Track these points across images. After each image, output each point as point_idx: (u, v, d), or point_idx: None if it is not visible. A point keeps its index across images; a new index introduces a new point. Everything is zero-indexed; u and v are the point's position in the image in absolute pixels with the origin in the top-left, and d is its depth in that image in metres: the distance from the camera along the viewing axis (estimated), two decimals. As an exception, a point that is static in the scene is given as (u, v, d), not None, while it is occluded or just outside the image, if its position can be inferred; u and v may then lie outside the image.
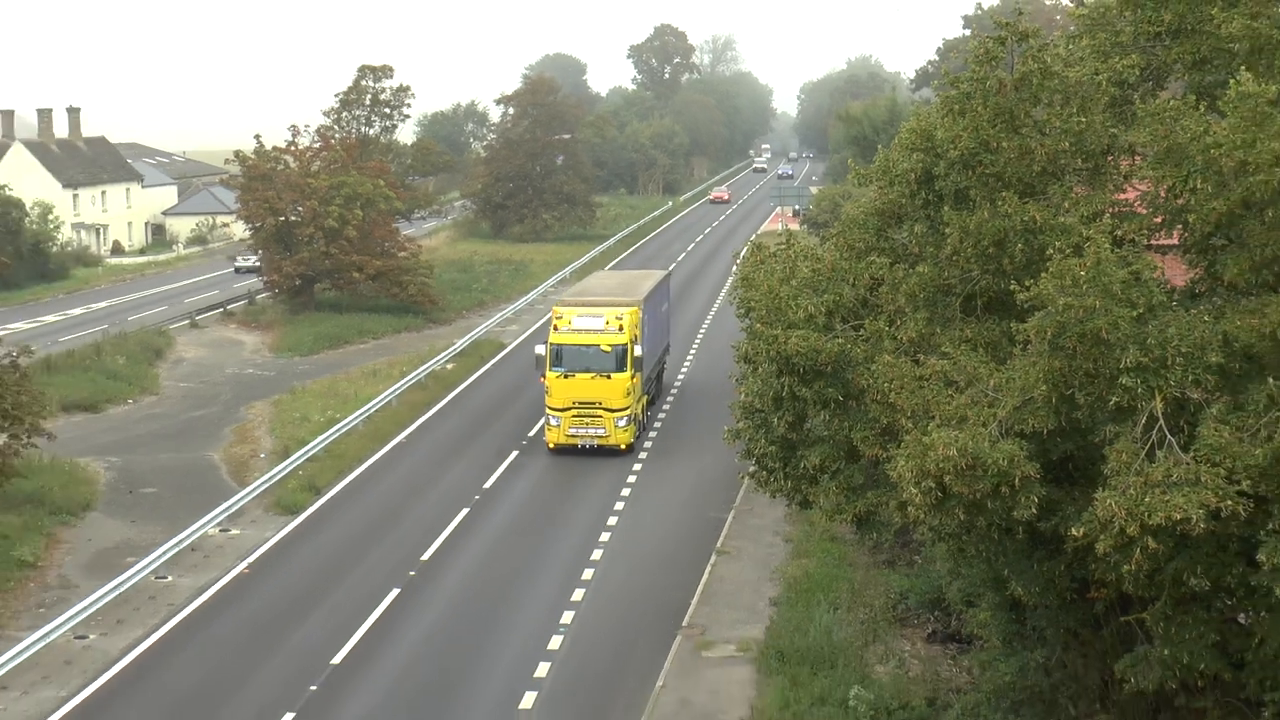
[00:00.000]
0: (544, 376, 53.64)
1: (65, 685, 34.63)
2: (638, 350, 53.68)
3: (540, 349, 54.23)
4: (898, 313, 24.05)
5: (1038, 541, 22.04)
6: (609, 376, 52.76)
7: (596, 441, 53.38)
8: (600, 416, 53.17)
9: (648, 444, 56.74)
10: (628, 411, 53.39)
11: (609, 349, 52.95)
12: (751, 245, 28.75)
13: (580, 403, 53.25)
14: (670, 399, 65.38)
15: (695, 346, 77.98)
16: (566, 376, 52.94)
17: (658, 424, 60.38)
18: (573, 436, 53.60)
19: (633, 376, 53.35)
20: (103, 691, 34.43)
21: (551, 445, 54.19)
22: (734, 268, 32.14)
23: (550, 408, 53.86)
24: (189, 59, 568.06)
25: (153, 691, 34.49)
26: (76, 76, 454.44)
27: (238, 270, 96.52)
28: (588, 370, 52.80)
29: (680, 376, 69.91)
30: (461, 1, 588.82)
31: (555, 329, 53.98)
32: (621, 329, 53.20)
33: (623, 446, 53.61)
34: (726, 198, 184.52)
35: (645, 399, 57.72)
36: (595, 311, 54.26)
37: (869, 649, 35.63)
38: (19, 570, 42.53)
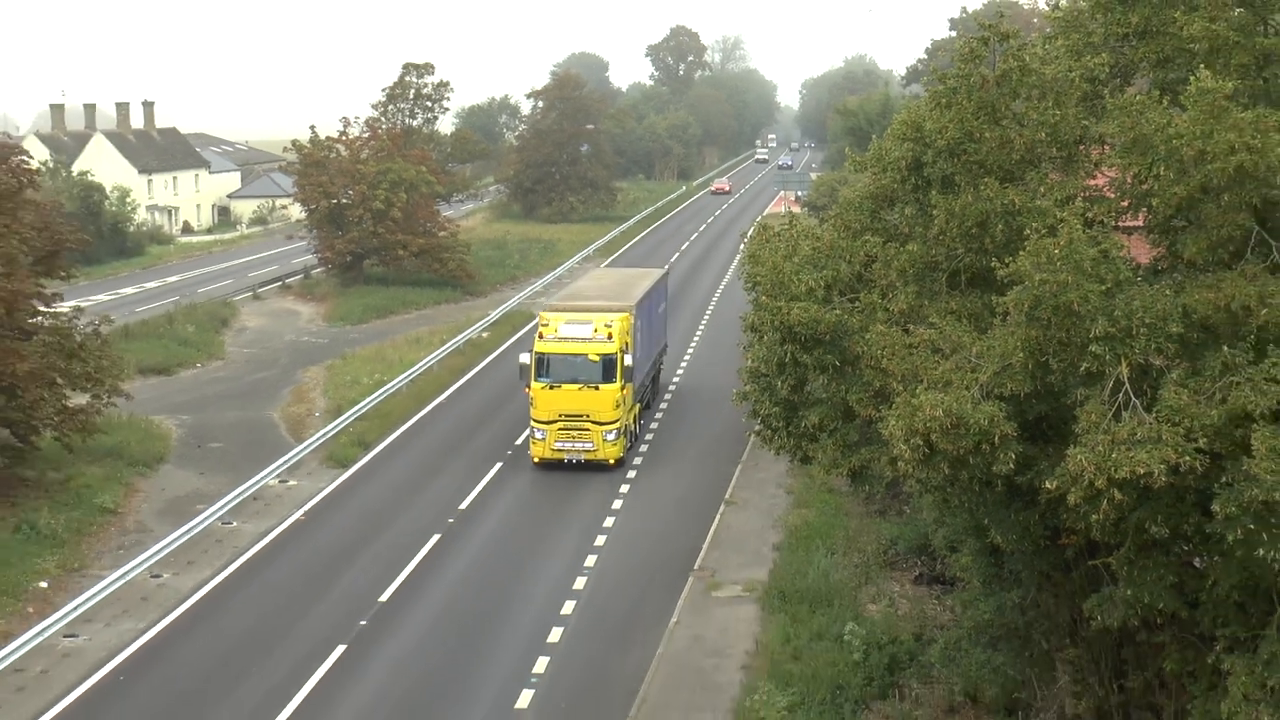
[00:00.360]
0: (528, 387, 46.07)
1: (143, 618, 34.99)
2: (628, 360, 46.02)
3: (525, 358, 46.49)
4: (889, 287, 24.00)
5: (1015, 493, 22.06)
6: (597, 388, 45.22)
7: (584, 456, 45.91)
8: (588, 430, 45.53)
9: (656, 419, 56.73)
10: (617, 425, 45.76)
11: (597, 359, 45.26)
12: (758, 226, 28.71)
13: (566, 415, 45.52)
14: (673, 382, 65.13)
15: (699, 331, 77.05)
16: (552, 388, 45.33)
17: (661, 406, 60.30)
18: (558, 451, 45.91)
19: (622, 387, 45.77)
20: (175, 624, 34.77)
21: (536, 460, 46.57)
22: (741, 246, 32.05)
23: (535, 420, 46.11)
24: (250, 57, 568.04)
25: (220, 625, 34.79)
26: (150, 72, 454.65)
27: None
28: (574, 381, 45.25)
29: (683, 362, 68.49)
30: (496, 4, 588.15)
31: (540, 337, 46.21)
32: (611, 337, 45.53)
33: (611, 462, 46.18)
34: (728, 189, 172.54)
35: (638, 407, 50.73)
36: (583, 318, 46.45)
37: (862, 590, 35.77)
38: (101, 516, 42.87)
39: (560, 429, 45.75)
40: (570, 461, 46.08)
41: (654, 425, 53.67)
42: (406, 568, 38.14)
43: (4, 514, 41.77)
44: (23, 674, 31.70)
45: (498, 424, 53.95)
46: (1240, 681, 19.38)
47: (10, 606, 35.88)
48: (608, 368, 45.29)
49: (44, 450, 45.72)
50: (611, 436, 45.73)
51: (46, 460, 45.91)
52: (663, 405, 56.89)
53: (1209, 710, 21.00)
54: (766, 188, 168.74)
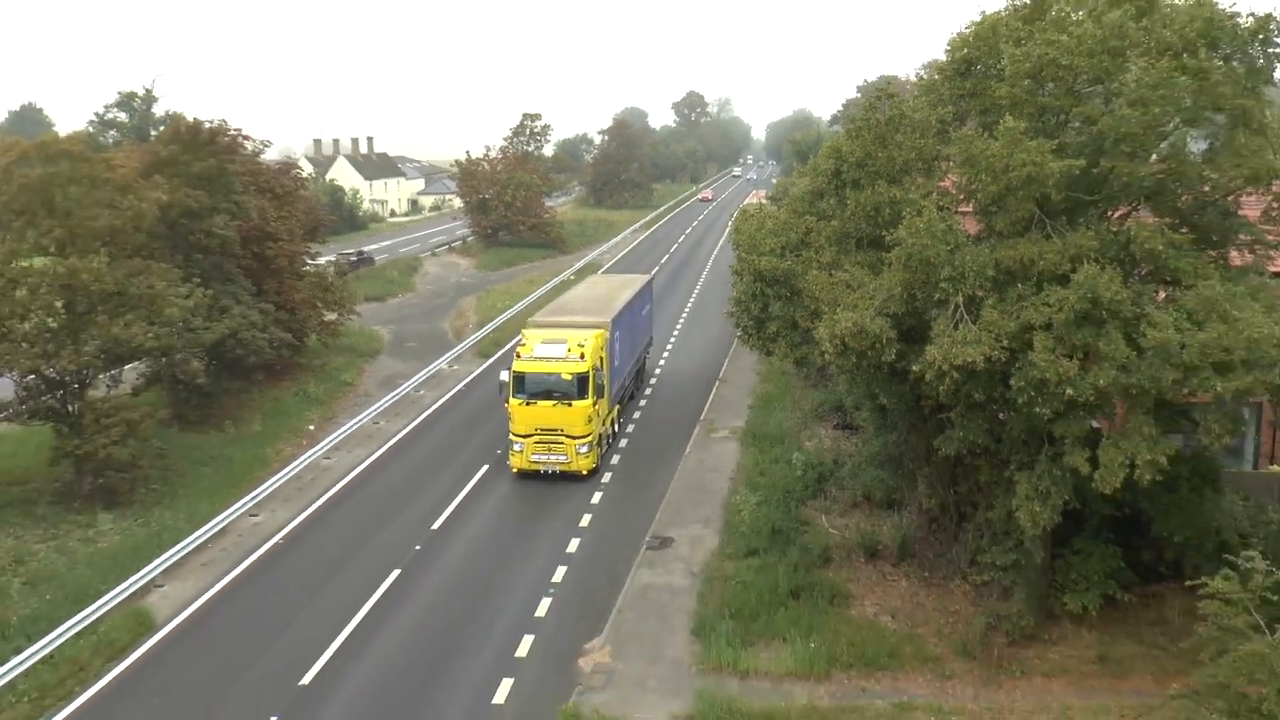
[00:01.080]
0: (507, 403, 32.14)
1: (369, 449, 35.69)
2: (599, 377, 32.71)
3: (505, 375, 32.51)
4: (820, 247, 23.94)
5: (895, 373, 22.09)
6: (570, 404, 31.62)
7: (558, 468, 32.03)
8: (562, 443, 31.85)
9: (676, 329, 56.45)
10: (589, 438, 32.07)
11: (569, 377, 31.63)
12: (741, 210, 28.59)
13: (542, 429, 31.84)
14: (687, 306, 64.76)
15: (704, 275, 74.97)
16: (528, 404, 31.67)
17: (678, 324, 59.91)
18: (535, 462, 32.07)
19: (594, 403, 32.13)
20: (388, 451, 35.48)
21: (515, 469, 32.41)
22: (729, 222, 31.80)
23: (513, 434, 32.14)
24: (431, 102, 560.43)
25: (413, 452, 35.47)
26: (372, 115, 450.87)
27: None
28: (549, 397, 31.62)
29: (694, 293, 66.83)
30: (578, 73, 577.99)
31: (518, 356, 32.41)
32: (583, 356, 32.02)
33: (584, 473, 32.21)
34: (711, 197, 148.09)
35: (616, 409, 36.37)
36: (558, 337, 33.05)
37: (802, 433, 35.88)
38: (344, 387, 43.51)
39: (536, 442, 32.03)
40: (546, 472, 32.31)
41: (676, 330, 53.66)
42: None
43: (289, 385, 42.49)
44: (301, 479, 32.62)
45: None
46: (1023, 487, 19.70)
47: (293, 440, 36.77)
48: (580, 385, 31.79)
49: (311, 347, 46.25)
50: (584, 449, 32.14)
51: (312, 353, 46.45)
52: (681, 319, 56.84)
53: (1005, 504, 21.28)
54: (737, 196, 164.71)
